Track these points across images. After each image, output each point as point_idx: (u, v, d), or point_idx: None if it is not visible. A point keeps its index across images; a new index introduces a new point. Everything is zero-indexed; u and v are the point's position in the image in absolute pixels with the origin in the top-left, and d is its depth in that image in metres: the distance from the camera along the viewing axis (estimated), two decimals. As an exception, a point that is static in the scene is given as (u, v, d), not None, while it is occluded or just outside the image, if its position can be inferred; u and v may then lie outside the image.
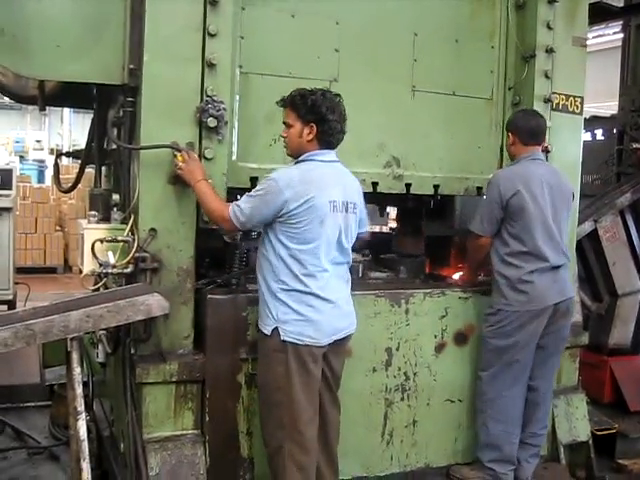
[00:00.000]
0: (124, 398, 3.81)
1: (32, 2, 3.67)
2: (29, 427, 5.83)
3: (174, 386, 3.82)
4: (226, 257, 4.22)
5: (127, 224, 3.78)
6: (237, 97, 4.06)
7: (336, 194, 3.65)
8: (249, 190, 4.04)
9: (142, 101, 3.75)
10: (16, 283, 8.77)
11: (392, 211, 7.13)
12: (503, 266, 4.38)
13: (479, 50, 4.85)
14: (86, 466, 3.34)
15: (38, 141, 30.62)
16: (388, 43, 4.52)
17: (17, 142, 29.72)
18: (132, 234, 3.74)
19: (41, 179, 23.86)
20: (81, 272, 3.93)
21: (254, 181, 4.10)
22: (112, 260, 3.67)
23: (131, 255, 3.67)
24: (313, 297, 3.59)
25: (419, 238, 5.23)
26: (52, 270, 13.06)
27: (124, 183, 3.98)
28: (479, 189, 4.76)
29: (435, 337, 4.46)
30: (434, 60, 4.66)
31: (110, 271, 3.66)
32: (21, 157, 27.40)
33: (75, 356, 3.32)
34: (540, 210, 4.34)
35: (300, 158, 3.70)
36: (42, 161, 27.80)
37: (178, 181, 3.75)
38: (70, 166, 19.97)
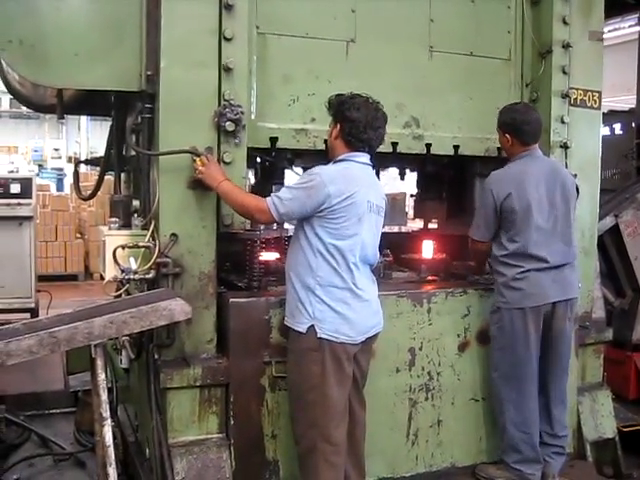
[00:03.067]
0: (149, 403, 3.82)
1: (50, 12, 3.70)
2: (54, 434, 5.85)
3: (198, 390, 3.84)
4: (246, 261, 4.21)
5: (148, 230, 3.79)
6: (254, 57, 4.06)
7: (371, 196, 3.69)
8: (268, 150, 4.13)
9: (160, 107, 3.76)
10: (38, 291, 8.84)
11: (410, 207, 7.15)
12: (500, 265, 4.36)
13: (495, 10, 4.85)
14: (112, 472, 3.35)
15: (56, 149, 30.79)
16: (405, 3, 4.52)
17: (35, 151, 29.92)
18: (153, 240, 3.75)
19: (60, 187, 23.97)
20: (102, 279, 3.96)
21: (274, 141, 4.14)
22: (134, 266, 3.69)
23: (153, 260, 3.68)
24: (349, 293, 3.61)
25: (440, 203, 5.24)
26: (73, 277, 13.12)
27: (144, 189, 3.98)
28: (499, 150, 4.73)
29: (458, 336, 4.45)
30: (451, 20, 4.66)
31: (132, 277, 3.68)
32: (40, 166, 27.54)
33: (99, 362, 3.32)
34: (536, 211, 4.27)
35: (338, 159, 3.73)
36: (60, 169, 27.93)
37: (198, 186, 3.76)
38: (88, 174, 20.13)
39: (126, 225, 4.09)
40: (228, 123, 3.76)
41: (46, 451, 5.61)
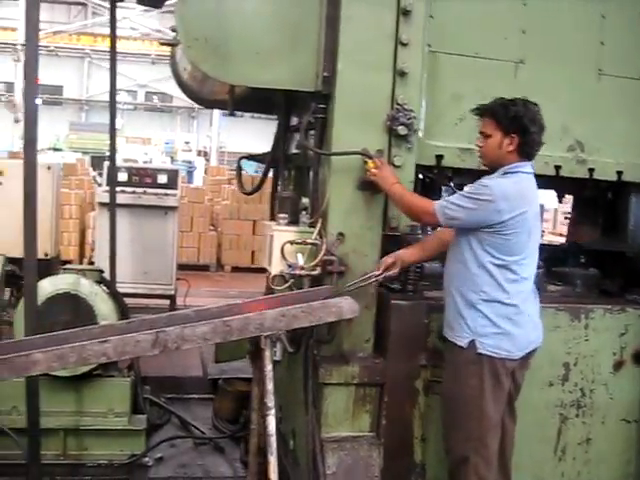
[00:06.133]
0: (304, 397, 3.91)
1: (234, 12, 3.84)
2: (192, 418, 6.07)
3: (354, 388, 3.91)
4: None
5: (315, 227, 3.87)
6: (425, 75, 4.08)
7: (537, 206, 3.67)
8: (433, 168, 4.16)
9: (335, 108, 3.85)
10: (177, 279, 9.15)
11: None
12: None
13: None
14: (274, 460, 3.45)
15: (187, 143, 31.64)
16: (575, 25, 4.44)
17: (167, 143, 30.78)
18: (320, 237, 3.83)
19: (190, 180, 24.62)
20: (246, 271, 4.06)
21: (439, 159, 4.16)
22: (301, 262, 3.77)
23: (319, 258, 3.75)
24: (513, 309, 3.59)
25: (595, 228, 5.14)
26: (205, 268, 13.43)
27: (312, 187, 4.07)
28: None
29: (614, 354, 4.35)
30: (622, 43, 4.54)
31: (298, 273, 3.76)
32: (171, 158, 28.37)
33: (268, 354, 3.43)
34: None
35: (506, 169, 3.65)
36: (190, 162, 28.67)
37: (367, 187, 3.84)
38: (220, 168, 20.64)
39: (293, 221, 4.18)
40: (401, 127, 3.82)
41: (186, 434, 5.82)
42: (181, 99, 35.32)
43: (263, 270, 4.30)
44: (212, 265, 13.61)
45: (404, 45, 3.88)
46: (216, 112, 29.52)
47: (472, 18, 4.21)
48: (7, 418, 4.83)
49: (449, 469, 3.78)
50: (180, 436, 5.74)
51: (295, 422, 4.36)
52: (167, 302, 9.10)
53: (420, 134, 4.08)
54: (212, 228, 13.97)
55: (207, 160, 29.95)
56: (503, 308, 3.58)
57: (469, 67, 4.19)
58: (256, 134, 32.69)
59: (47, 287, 4.81)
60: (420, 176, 4.44)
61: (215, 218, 14.41)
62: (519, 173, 3.64)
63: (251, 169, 13.44)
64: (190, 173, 26.73)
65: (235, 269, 13.60)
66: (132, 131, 31.82)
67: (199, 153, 31.73)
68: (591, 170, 4.51)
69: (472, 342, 3.58)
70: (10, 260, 5.78)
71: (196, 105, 34.71)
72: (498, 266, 3.55)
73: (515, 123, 3.60)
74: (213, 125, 31.98)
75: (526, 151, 3.64)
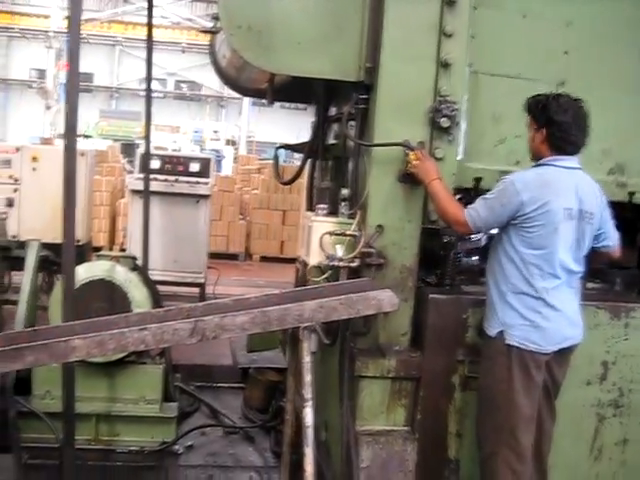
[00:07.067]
0: (339, 390, 3.88)
1: (277, 1, 3.80)
2: (222, 406, 6.08)
3: (390, 381, 3.88)
4: (439, 257, 4.20)
5: (354, 219, 3.84)
6: (465, 96, 4.03)
7: (572, 202, 3.58)
8: (472, 190, 4.05)
9: (377, 99, 3.81)
10: (208, 267, 9.17)
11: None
12: None
13: None
14: (310, 452, 3.43)
15: (215, 132, 31.62)
16: (618, 46, 4.34)
17: (195, 132, 30.81)
18: (359, 229, 3.80)
19: (218, 169, 24.62)
20: (303, 264, 4.03)
21: (478, 182, 4.08)
22: (340, 253, 3.74)
23: (358, 250, 3.72)
24: (541, 303, 3.56)
25: (633, 249, 5.05)
26: (233, 257, 13.44)
27: (352, 178, 4.04)
28: None
29: (654, 355, 4.28)
30: None
31: (337, 264, 3.73)
32: (199, 147, 28.40)
33: (306, 345, 3.42)
34: None
35: (538, 162, 3.67)
36: (218, 151, 28.68)
37: (407, 179, 3.80)
38: (250, 157, 20.63)
39: (332, 212, 4.15)
40: (443, 119, 3.78)
41: (216, 422, 5.84)
42: (210, 88, 35.55)
43: (292, 260, 4.28)
44: (241, 254, 13.63)
45: (448, 36, 3.83)
46: (245, 101, 29.58)
47: (514, 39, 4.15)
48: (41, 402, 4.88)
49: (480, 462, 3.76)
50: (211, 424, 5.76)
51: (328, 414, 4.33)
52: (197, 290, 9.13)
53: (459, 156, 4.03)
54: (241, 217, 13.98)
55: (236, 149, 29.97)
56: (530, 300, 3.57)
57: (510, 88, 4.10)
58: (284, 124, 32.82)
59: (82, 273, 4.82)
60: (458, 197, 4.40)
61: (244, 207, 14.41)
62: (550, 166, 3.62)
63: (280, 158, 13.43)
64: (218, 162, 26.74)
65: (264, 259, 13.62)
66: (161, 119, 31.80)
67: (227, 142, 31.75)
68: (631, 194, 4.42)
69: (501, 333, 3.59)
70: (42, 245, 5.81)
71: (225, 94, 35.10)
72: (522, 260, 3.55)
73: (542, 115, 3.61)
74: (242, 114, 32.00)
75: (555, 143, 3.60)
